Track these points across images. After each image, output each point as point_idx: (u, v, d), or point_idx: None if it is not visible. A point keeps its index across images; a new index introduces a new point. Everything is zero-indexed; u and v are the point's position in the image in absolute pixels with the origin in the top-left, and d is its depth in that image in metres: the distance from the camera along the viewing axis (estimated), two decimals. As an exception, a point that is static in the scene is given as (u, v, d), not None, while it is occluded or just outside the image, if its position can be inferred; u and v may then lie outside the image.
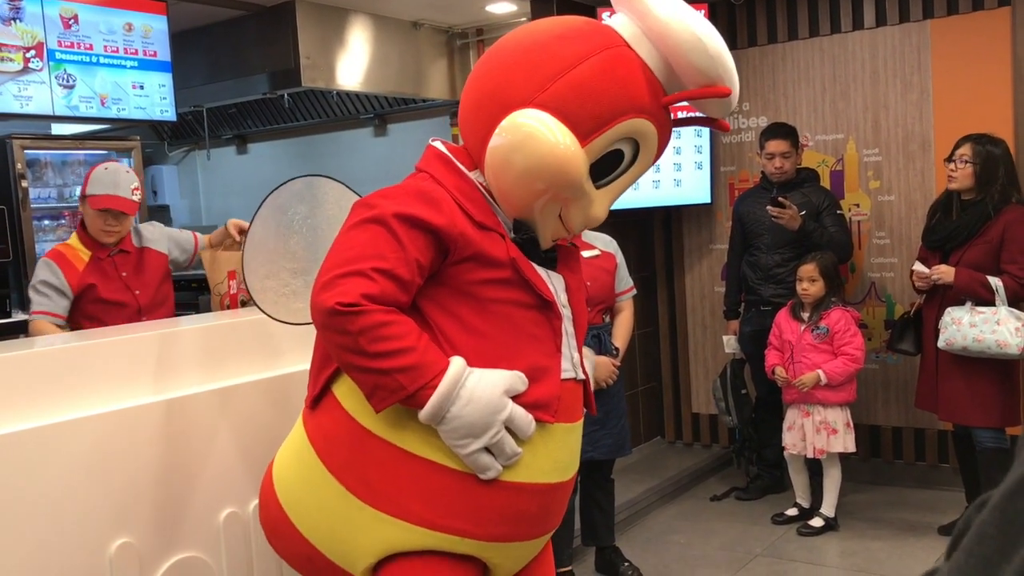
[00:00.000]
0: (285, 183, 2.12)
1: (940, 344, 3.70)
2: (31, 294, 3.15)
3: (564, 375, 1.70)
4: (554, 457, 1.69)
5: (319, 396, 1.69)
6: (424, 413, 1.53)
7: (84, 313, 3.18)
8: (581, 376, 1.77)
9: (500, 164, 1.59)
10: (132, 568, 1.96)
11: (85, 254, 3.24)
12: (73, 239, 3.30)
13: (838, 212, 4.39)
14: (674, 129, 1.76)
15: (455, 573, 1.62)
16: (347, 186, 2.18)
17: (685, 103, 1.73)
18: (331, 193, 2.16)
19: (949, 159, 3.75)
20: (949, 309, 3.69)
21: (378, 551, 1.61)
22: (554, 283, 1.71)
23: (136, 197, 3.24)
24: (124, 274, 3.28)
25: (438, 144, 1.73)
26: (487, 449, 1.56)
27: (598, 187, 1.66)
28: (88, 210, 3.23)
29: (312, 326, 1.62)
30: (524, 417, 1.58)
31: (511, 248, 1.63)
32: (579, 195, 1.62)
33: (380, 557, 1.62)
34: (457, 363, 1.54)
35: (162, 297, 3.38)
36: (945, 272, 3.70)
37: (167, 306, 3.40)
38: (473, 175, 1.67)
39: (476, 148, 1.66)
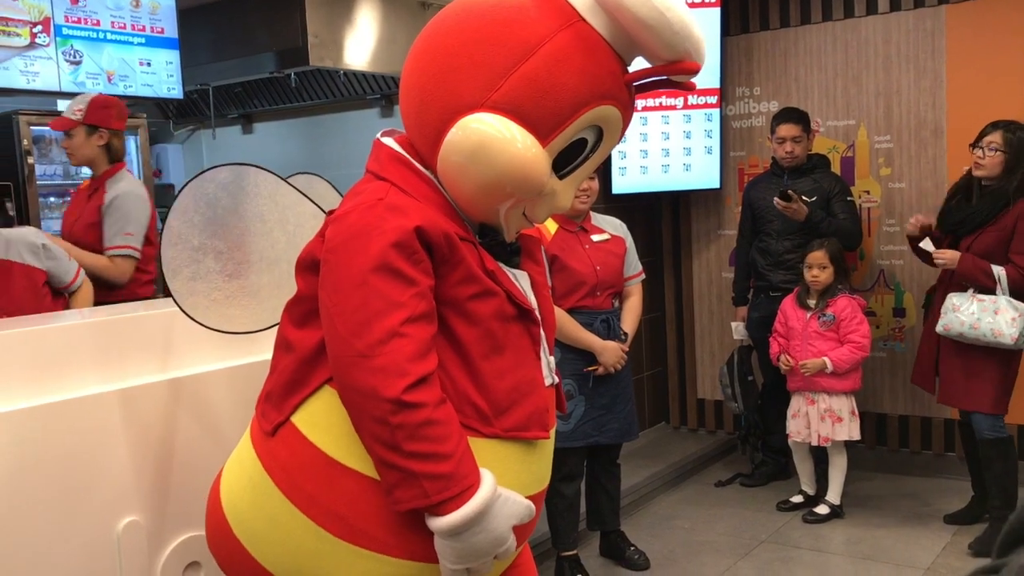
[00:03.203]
0: (208, 171, 1.90)
1: (938, 329, 3.71)
2: None
3: (545, 383, 1.62)
4: (537, 470, 1.61)
5: (280, 423, 1.55)
6: (439, 525, 1.41)
7: None
8: (556, 380, 1.68)
9: (457, 175, 1.47)
10: (140, 546, 1.95)
11: None
12: None
13: (848, 199, 4.36)
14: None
15: None
16: (281, 177, 1.99)
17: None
18: (263, 185, 1.95)
19: (976, 145, 3.71)
20: (951, 295, 3.70)
21: None
22: (523, 284, 1.60)
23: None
24: None
25: (390, 141, 1.57)
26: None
27: (561, 177, 1.54)
28: None
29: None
30: (512, 548, 1.50)
31: (486, 258, 1.51)
32: (543, 193, 1.51)
33: None
34: (488, 486, 1.42)
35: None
36: (950, 258, 3.69)
37: None
38: (429, 174, 1.52)
39: (425, 150, 1.52)
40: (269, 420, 1.56)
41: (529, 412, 1.54)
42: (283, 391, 1.55)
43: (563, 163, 1.53)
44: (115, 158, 3.68)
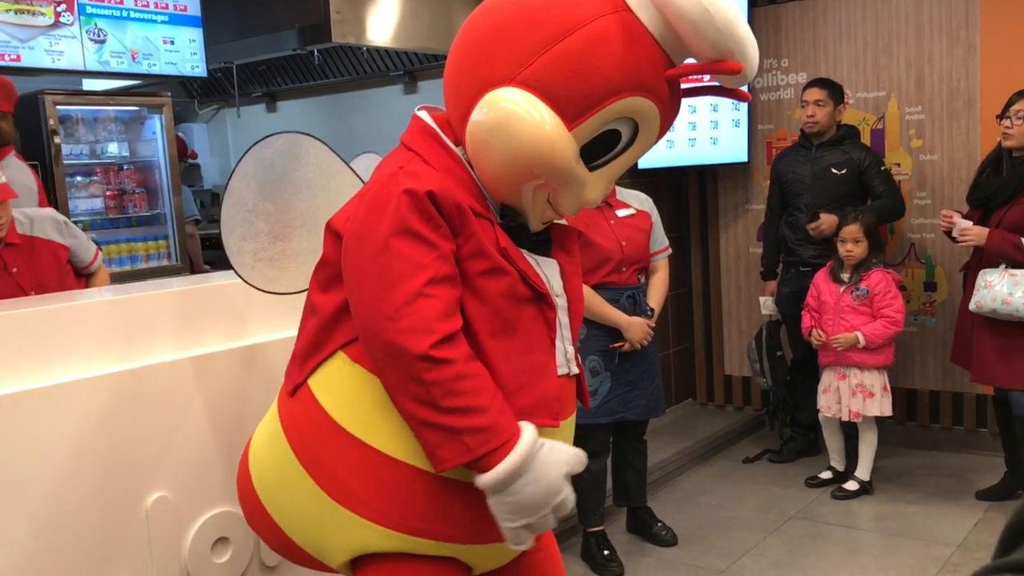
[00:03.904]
0: (268, 137, 1.98)
1: (971, 306, 3.65)
2: None
3: (559, 371, 1.59)
4: None
5: (299, 385, 1.59)
6: (485, 481, 1.41)
7: None
8: (575, 371, 1.66)
9: (480, 148, 1.46)
10: (168, 522, 1.96)
11: None
12: None
13: (883, 169, 4.28)
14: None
15: (433, 574, 1.56)
16: (330, 147, 2.04)
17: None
18: (313, 154, 2.01)
19: (1003, 115, 3.63)
20: (983, 271, 3.63)
21: (350, 551, 1.55)
22: (545, 271, 1.58)
23: (3, 179, 2.85)
24: (15, 270, 2.87)
25: (424, 115, 1.57)
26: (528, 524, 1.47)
27: (591, 169, 1.50)
28: None
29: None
30: (570, 502, 1.49)
31: (501, 236, 1.50)
32: (568, 180, 1.48)
33: (352, 557, 1.57)
34: (529, 434, 1.43)
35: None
36: (977, 235, 3.62)
37: None
38: (459, 150, 1.52)
39: (457, 123, 1.52)
40: (291, 381, 1.62)
41: (537, 398, 1.52)
42: (304, 354, 1.60)
43: (596, 154, 1.50)
44: (2, 143, 3.42)
